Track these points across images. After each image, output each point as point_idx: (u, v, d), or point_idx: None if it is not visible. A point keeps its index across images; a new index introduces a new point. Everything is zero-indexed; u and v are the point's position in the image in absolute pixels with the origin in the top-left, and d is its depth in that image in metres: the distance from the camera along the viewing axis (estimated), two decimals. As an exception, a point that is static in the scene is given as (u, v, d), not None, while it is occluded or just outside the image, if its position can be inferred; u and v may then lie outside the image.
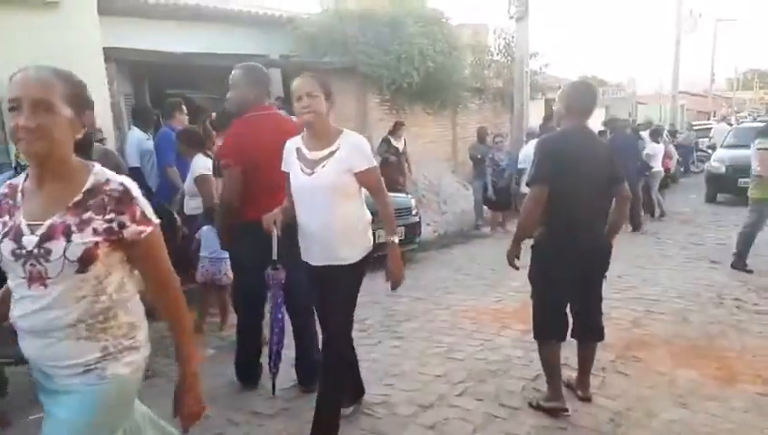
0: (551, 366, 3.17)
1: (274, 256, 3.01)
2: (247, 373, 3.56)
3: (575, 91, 3.23)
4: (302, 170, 2.76)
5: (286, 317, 3.28)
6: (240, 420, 3.15)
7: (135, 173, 5.82)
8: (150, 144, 5.95)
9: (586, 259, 3.12)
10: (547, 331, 3.17)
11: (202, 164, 4.65)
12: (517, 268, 3.24)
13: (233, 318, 4.45)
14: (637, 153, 9.50)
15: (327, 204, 2.71)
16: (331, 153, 2.71)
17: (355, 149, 2.71)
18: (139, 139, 5.93)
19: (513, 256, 3.22)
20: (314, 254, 2.83)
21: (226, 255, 4.47)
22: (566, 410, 3.12)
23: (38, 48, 5.14)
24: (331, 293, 2.84)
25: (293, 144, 2.86)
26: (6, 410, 3.36)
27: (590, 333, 3.27)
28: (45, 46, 5.18)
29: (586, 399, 3.25)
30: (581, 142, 3.11)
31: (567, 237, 3.06)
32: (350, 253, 2.80)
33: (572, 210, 3.06)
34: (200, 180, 4.65)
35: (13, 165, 4.67)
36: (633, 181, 8.38)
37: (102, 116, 5.58)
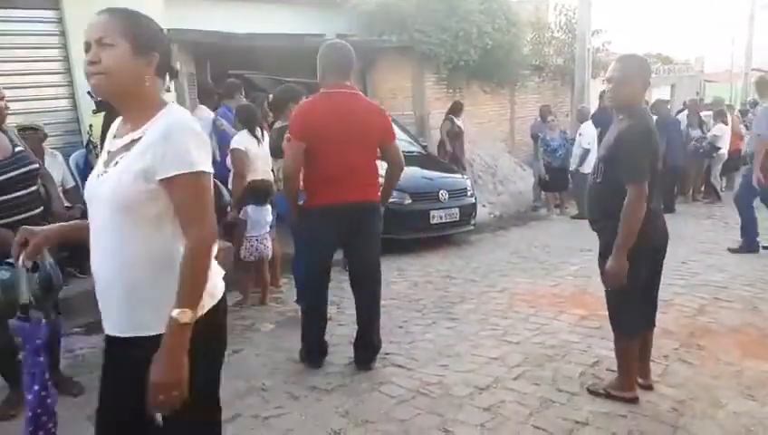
0: (628, 356, 3.05)
1: (23, 300, 1.81)
2: (311, 355, 3.58)
3: (638, 66, 2.96)
4: (98, 169, 1.69)
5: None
6: (299, 395, 3.22)
7: None
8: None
9: (661, 248, 3.01)
10: (636, 325, 3.01)
11: (239, 139, 4.81)
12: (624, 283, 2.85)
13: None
14: (679, 130, 9.38)
15: (110, 229, 1.61)
16: (132, 142, 1.63)
17: (163, 141, 1.56)
18: (208, 117, 6.09)
19: (622, 272, 2.80)
20: (102, 313, 1.71)
21: (268, 229, 4.70)
22: (637, 398, 3.04)
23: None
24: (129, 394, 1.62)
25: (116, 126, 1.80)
26: (81, 377, 3.54)
27: (652, 323, 3.17)
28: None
29: (647, 386, 3.17)
30: (654, 129, 2.93)
31: (650, 230, 2.86)
32: (155, 317, 1.57)
33: (652, 201, 2.87)
34: (232, 154, 4.82)
35: (84, 143, 4.90)
36: (678, 160, 8.78)
37: (167, 96, 5.73)
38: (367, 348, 3.51)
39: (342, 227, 3.34)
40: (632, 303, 2.97)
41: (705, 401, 3.07)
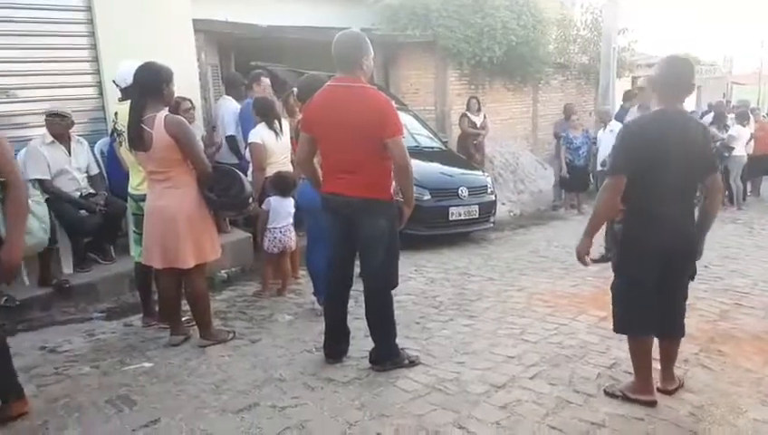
0: (638, 358, 3.03)
1: None
2: (330, 349, 3.57)
3: (667, 67, 2.95)
4: None
5: None
6: (315, 386, 3.24)
7: (232, 141, 6.05)
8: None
9: (670, 255, 2.94)
10: (628, 325, 3.03)
11: (255, 132, 4.89)
12: (587, 264, 3.06)
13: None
14: None
15: None
16: None
17: None
18: (235, 108, 6.12)
19: (584, 250, 3.02)
20: None
21: (290, 221, 4.77)
22: (655, 402, 3.01)
23: (132, 20, 5.36)
24: None
25: None
26: (101, 362, 3.61)
27: (671, 330, 3.12)
28: (139, 18, 5.40)
29: (666, 391, 3.14)
30: (669, 127, 2.85)
31: (649, 232, 2.89)
32: None
33: (655, 203, 2.87)
34: (250, 148, 4.93)
35: (109, 132, 4.96)
36: None
37: (191, 86, 5.78)
38: (375, 350, 3.46)
39: (344, 220, 3.32)
40: (624, 303, 3.02)
41: (725, 407, 3.04)
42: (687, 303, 3.17)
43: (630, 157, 2.85)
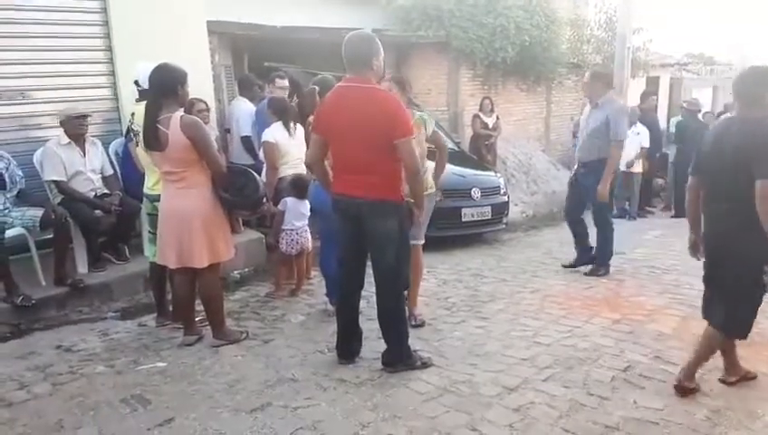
0: None
1: None
2: (343, 349, 3.57)
3: (740, 77, 3.10)
4: None
5: None
6: (328, 386, 3.25)
7: (247, 141, 6.07)
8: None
9: (711, 251, 3.17)
10: None
11: (269, 131, 4.92)
12: (698, 259, 3.29)
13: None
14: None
15: None
16: None
17: None
18: (249, 109, 6.13)
19: (689, 244, 3.33)
20: None
21: (306, 222, 4.78)
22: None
23: (147, 21, 5.38)
24: None
25: None
26: (116, 361, 3.64)
27: (706, 314, 3.22)
28: (153, 19, 5.42)
29: (682, 388, 3.11)
30: (721, 134, 3.06)
31: (704, 224, 3.21)
32: None
33: (705, 201, 3.15)
34: (263, 147, 4.96)
35: (124, 131, 5.00)
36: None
37: (205, 88, 5.80)
38: (387, 352, 3.46)
39: (354, 221, 3.32)
40: None
41: (741, 411, 3.00)
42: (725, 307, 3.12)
43: (695, 159, 3.23)
